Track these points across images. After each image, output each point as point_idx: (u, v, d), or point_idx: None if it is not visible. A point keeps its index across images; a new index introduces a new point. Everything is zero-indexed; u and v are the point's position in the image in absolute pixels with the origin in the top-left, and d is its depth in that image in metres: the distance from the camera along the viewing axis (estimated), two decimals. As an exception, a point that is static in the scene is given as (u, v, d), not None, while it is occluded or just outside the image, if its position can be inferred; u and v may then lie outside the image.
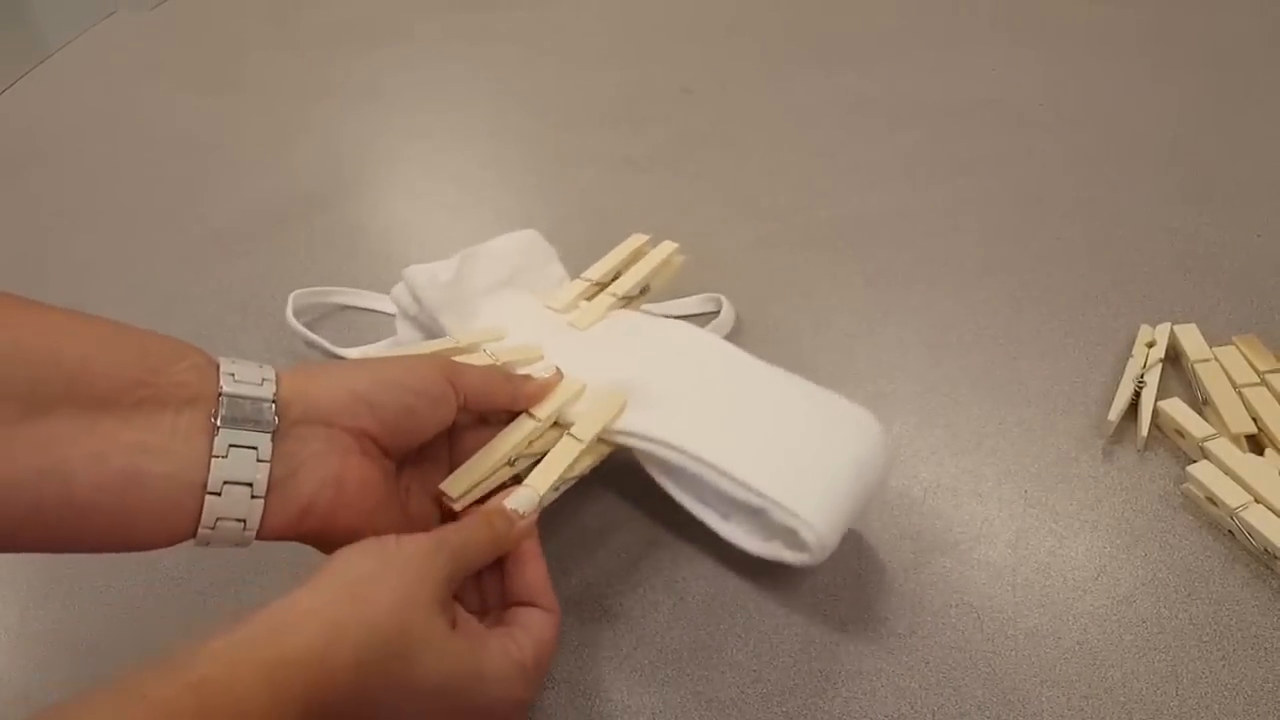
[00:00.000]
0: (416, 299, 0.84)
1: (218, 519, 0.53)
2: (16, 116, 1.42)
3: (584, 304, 0.83)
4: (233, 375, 0.55)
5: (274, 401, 0.55)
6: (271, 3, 1.70)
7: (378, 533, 0.56)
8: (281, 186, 1.19)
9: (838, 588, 0.70)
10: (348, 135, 1.30)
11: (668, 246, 0.88)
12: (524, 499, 0.64)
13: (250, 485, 0.53)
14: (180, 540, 0.53)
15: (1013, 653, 0.66)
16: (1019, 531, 0.73)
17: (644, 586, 0.72)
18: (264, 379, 0.56)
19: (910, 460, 0.79)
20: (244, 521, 0.54)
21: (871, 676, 0.65)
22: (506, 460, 0.68)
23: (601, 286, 0.85)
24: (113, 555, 0.51)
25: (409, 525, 0.60)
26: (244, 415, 0.54)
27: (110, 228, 1.15)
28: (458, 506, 0.65)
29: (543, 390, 0.71)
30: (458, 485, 0.65)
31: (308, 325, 0.92)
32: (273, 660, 0.46)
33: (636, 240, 0.88)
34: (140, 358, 0.52)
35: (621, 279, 0.85)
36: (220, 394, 0.53)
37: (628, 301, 0.85)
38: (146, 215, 1.17)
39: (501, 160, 1.22)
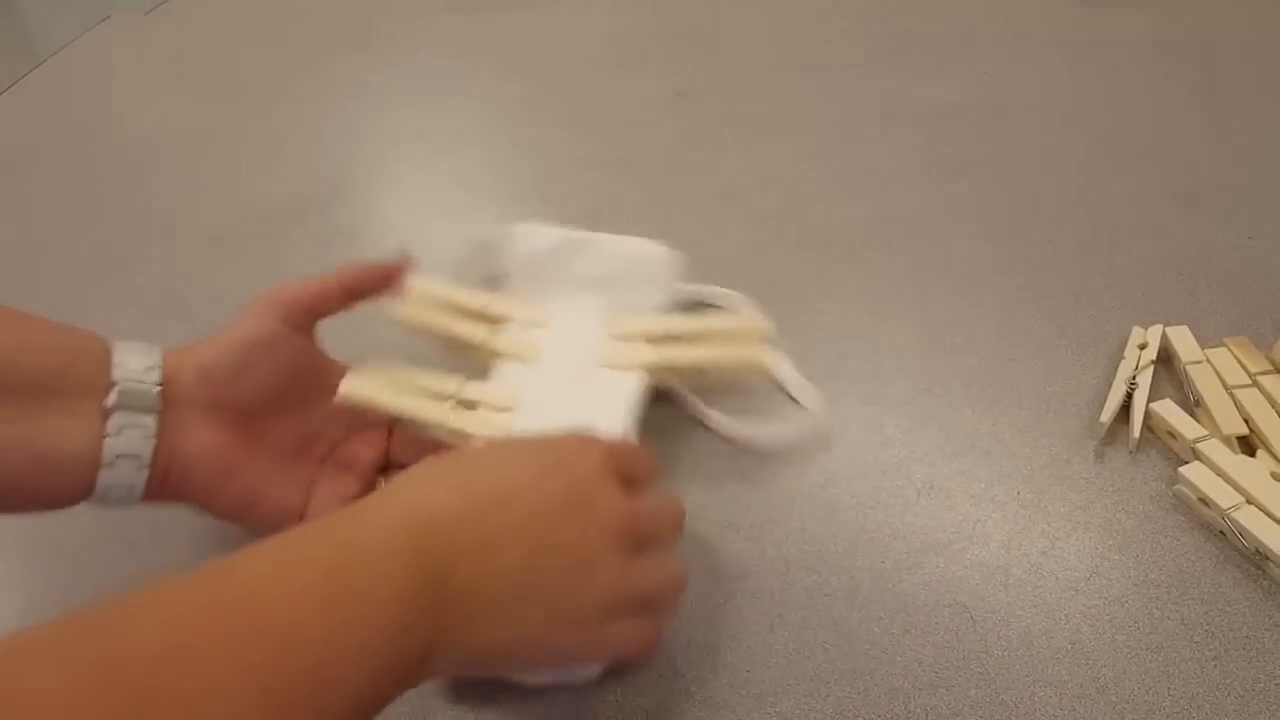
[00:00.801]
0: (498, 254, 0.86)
1: (109, 485, 0.63)
2: (11, 120, 1.42)
3: (640, 345, 0.80)
4: (123, 366, 0.64)
5: (160, 385, 0.65)
6: (267, 5, 1.70)
7: (241, 487, 0.69)
8: (277, 189, 1.19)
9: (831, 588, 0.70)
10: (343, 138, 1.29)
11: (757, 345, 0.79)
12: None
13: (138, 458, 0.64)
14: (76, 503, 0.64)
15: (1005, 653, 0.66)
16: (1012, 532, 0.73)
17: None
18: (149, 367, 0.65)
19: (904, 461, 0.79)
20: (131, 487, 0.64)
21: (865, 676, 0.66)
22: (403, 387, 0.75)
23: (670, 338, 0.80)
24: (111, 550, 0.57)
25: (285, 472, 0.72)
26: (132, 400, 0.64)
27: (105, 231, 1.15)
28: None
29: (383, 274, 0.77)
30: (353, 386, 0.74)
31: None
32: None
33: (749, 324, 0.81)
34: (56, 354, 0.62)
35: (686, 348, 0.79)
36: (112, 383, 0.63)
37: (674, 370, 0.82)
38: (141, 218, 1.16)
39: (496, 162, 1.22)
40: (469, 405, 0.75)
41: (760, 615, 0.69)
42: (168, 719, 0.39)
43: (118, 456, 0.63)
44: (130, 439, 0.63)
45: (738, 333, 0.77)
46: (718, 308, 0.92)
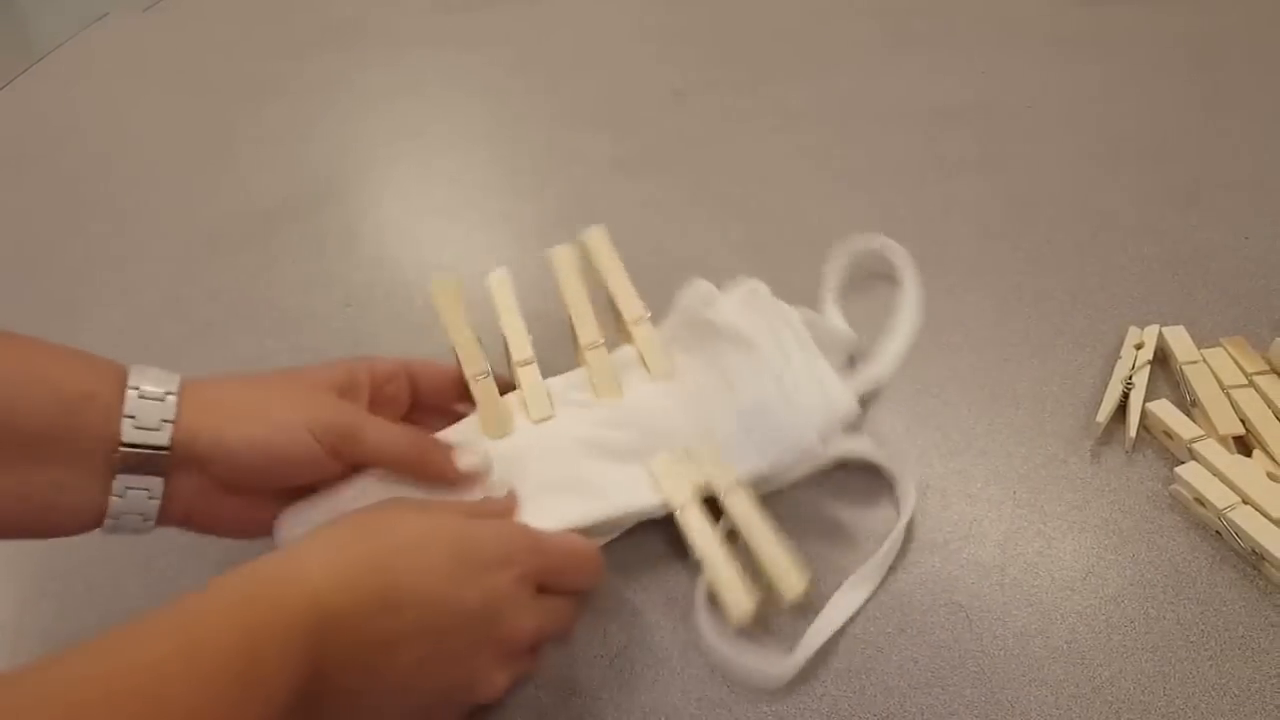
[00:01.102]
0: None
1: (115, 531, 0.62)
2: (9, 118, 1.42)
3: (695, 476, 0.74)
4: (133, 420, 0.60)
5: (168, 449, 0.60)
6: (263, 5, 1.70)
7: (259, 522, 0.67)
8: (273, 188, 1.19)
9: (827, 587, 0.70)
10: (340, 136, 1.29)
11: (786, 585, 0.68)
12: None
13: (142, 514, 0.62)
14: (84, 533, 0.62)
15: (1001, 652, 0.66)
16: (1008, 532, 0.73)
17: (634, 587, 0.72)
18: (163, 421, 0.60)
19: (900, 460, 0.79)
20: (138, 532, 0.63)
21: (860, 675, 0.65)
22: None
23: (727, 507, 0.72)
24: (109, 555, 0.56)
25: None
26: (139, 464, 0.60)
27: (102, 229, 1.15)
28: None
29: (456, 479, 0.71)
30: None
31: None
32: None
33: (788, 575, 0.68)
34: (55, 403, 0.58)
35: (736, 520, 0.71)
36: (120, 445, 0.59)
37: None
38: (138, 217, 1.16)
39: (492, 162, 1.22)
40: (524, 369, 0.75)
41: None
42: None
43: (123, 514, 0.61)
44: (135, 500, 0.61)
45: (774, 569, 0.68)
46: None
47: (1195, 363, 0.82)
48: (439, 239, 1.08)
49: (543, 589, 0.64)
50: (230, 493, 0.64)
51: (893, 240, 0.93)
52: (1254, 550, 0.68)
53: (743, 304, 0.80)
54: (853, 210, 1.06)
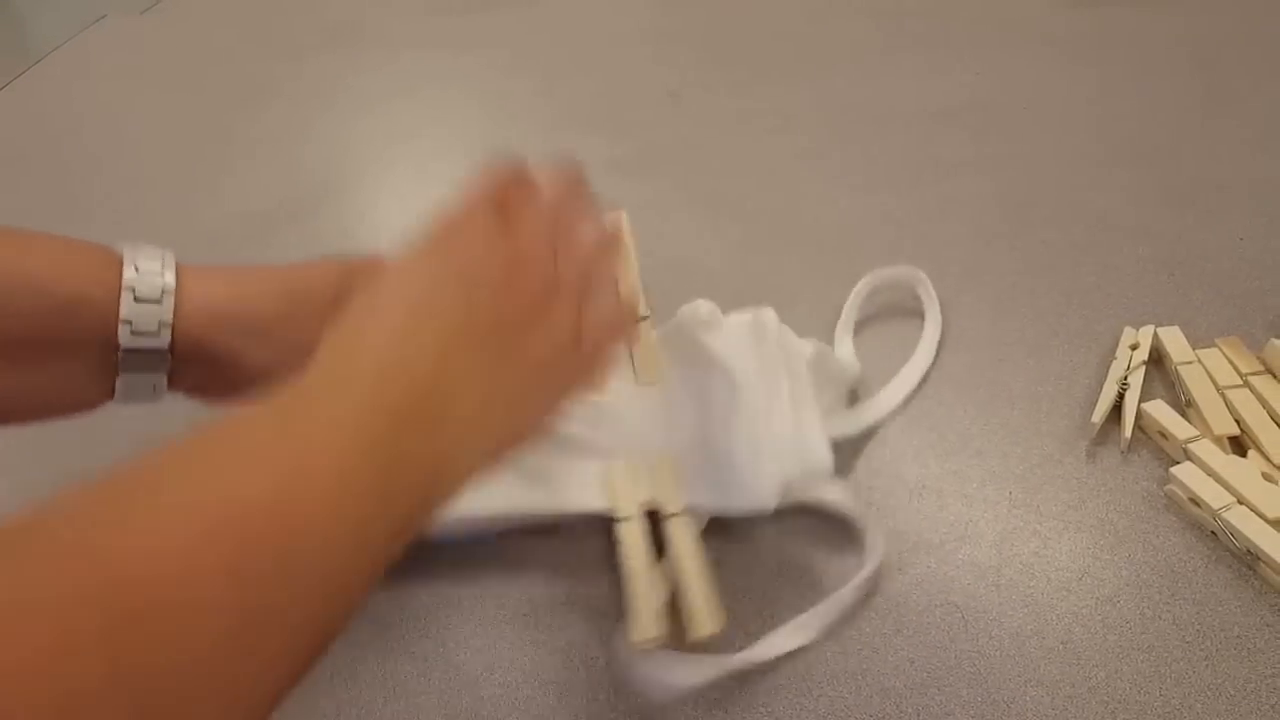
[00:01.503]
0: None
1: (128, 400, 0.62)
2: (7, 119, 1.42)
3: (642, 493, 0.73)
4: (130, 325, 0.59)
5: (169, 351, 0.60)
6: (260, 7, 1.70)
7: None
8: (270, 190, 1.19)
9: (823, 588, 0.70)
10: (336, 139, 1.29)
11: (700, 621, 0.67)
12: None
13: (154, 401, 0.62)
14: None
15: (997, 653, 0.66)
16: (1003, 532, 0.73)
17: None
18: (161, 323, 0.60)
19: (896, 461, 0.79)
20: (150, 399, 0.63)
21: (856, 677, 0.65)
22: None
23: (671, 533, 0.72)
24: None
25: None
26: (141, 365, 0.60)
27: (99, 231, 1.13)
28: None
29: None
30: None
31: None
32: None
33: (703, 615, 0.67)
34: (48, 305, 0.57)
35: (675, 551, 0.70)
36: (118, 348, 0.59)
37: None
38: (135, 219, 1.16)
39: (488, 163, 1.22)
40: None
41: (752, 614, 0.69)
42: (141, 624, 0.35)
43: (129, 396, 0.62)
44: (141, 389, 0.62)
45: (692, 603, 0.66)
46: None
47: (1190, 363, 0.82)
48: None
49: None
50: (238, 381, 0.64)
51: (920, 271, 0.92)
52: (1249, 551, 0.68)
53: (745, 336, 0.77)
54: (849, 211, 1.06)
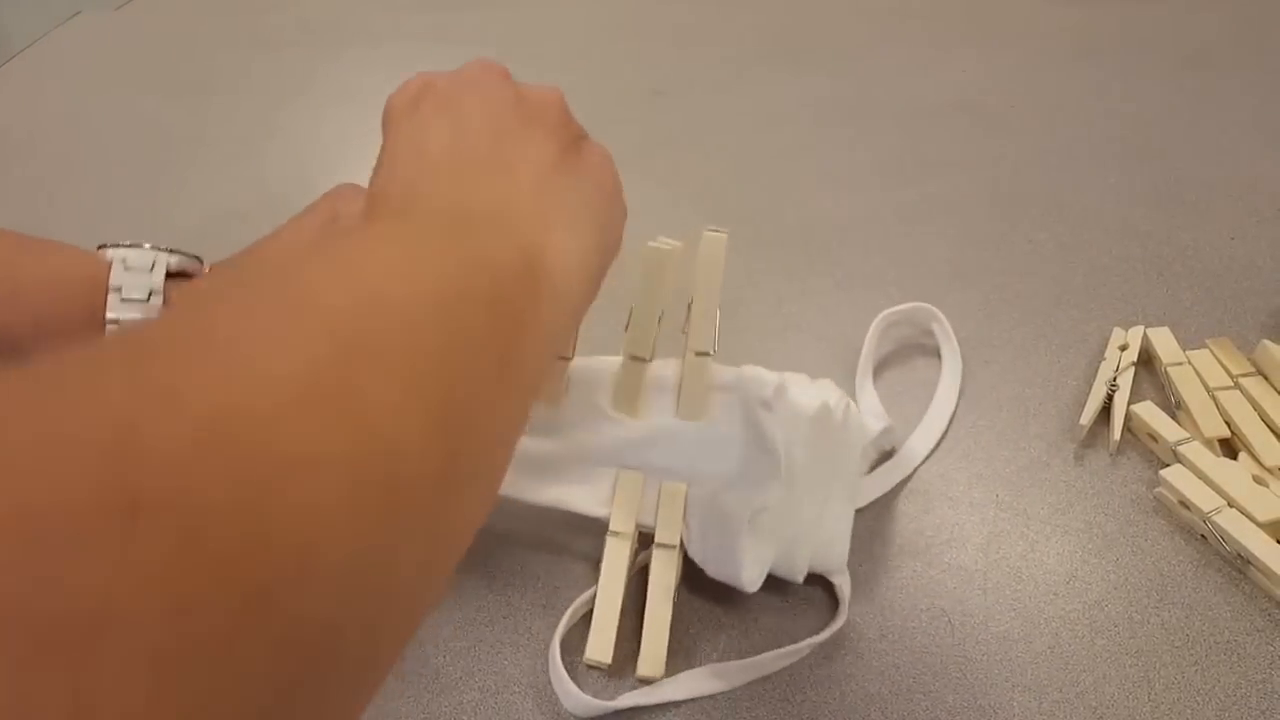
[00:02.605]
0: None
1: None
2: (-22, 116, 1.41)
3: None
4: (119, 293, 0.61)
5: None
6: (238, 2, 1.69)
7: None
8: (250, 189, 1.18)
9: (806, 592, 0.70)
10: (317, 137, 1.29)
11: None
12: None
13: None
14: None
15: (984, 657, 0.66)
16: (990, 535, 0.73)
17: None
18: (151, 290, 0.62)
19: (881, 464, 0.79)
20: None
21: (841, 682, 0.65)
22: None
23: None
24: None
25: None
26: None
27: (75, 231, 1.13)
28: None
29: None
30: None
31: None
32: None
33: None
34: (37, 285, 0.59)
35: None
36: (105, 323, 0.60)
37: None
38: (112, 218, 1.15)
39: (470, 162, 1.22)
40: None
41: (734, 619, 0.69)
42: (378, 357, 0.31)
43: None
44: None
45: (647, 642, 0.66)
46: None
47: (1180, 364, 0.82)
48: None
49: None
50: None
51: (935, 308, 0.88)
52: (1239, 554, 0.68)
53: (808, 425, 0.69)
54: (834, 210, 1.06)
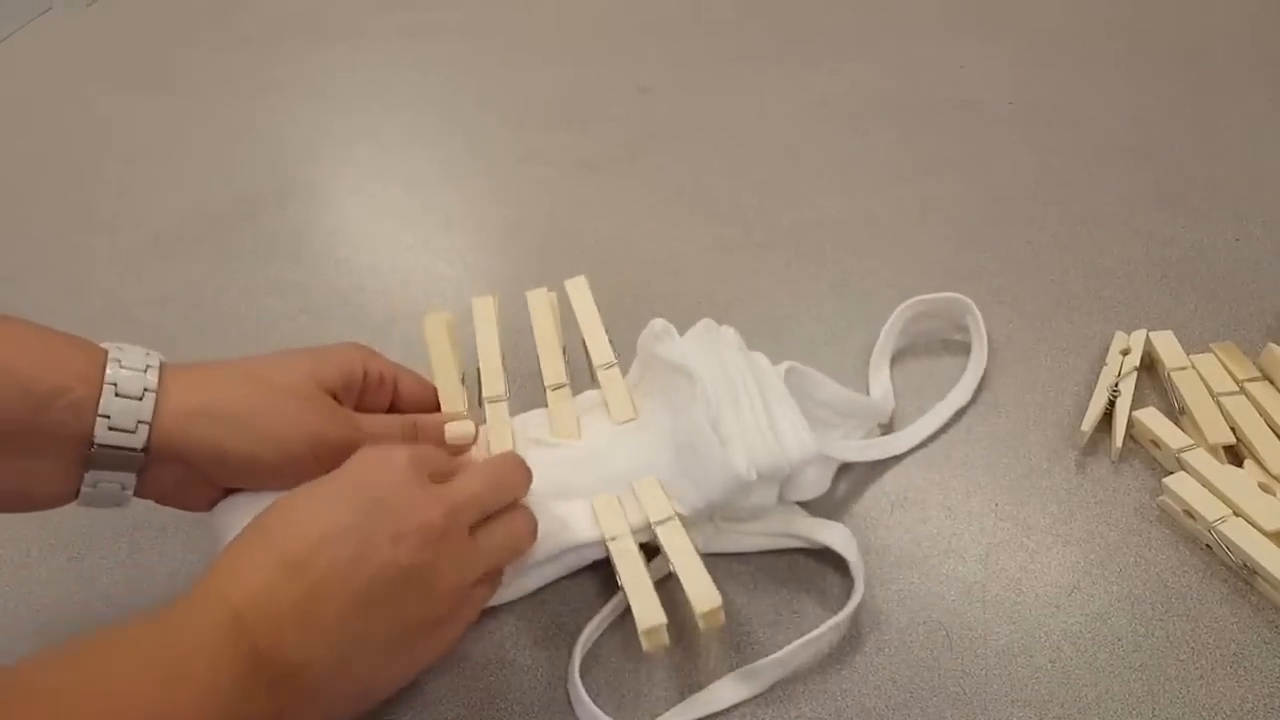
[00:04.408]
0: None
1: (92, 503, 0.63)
2: (-54, 116, 1.41)
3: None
4: (108, 420, 0.59)
5: (144, 450, 0.61)
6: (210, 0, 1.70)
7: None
8: (224, 189, 1.18)
9: (802, 605, 0.70)
10: (292, 136, 1.29)
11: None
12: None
13: (117, 502, 0.64)
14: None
15: (983, 671, 0.65)
16: (989, 546, 0.73)
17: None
18: (139, 423, 0.60)
19: (876, 473, 0.79)
20: (117, 501, 0.64)
21: (837, 697, 0.65)
22: None
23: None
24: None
25: None
26: (112, 463, 0.61)
27: (45, 231, 1.14)
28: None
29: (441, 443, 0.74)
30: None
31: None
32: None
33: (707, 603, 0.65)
34: (22, 398, 0.57)
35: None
36: (92, 444, 0.59)
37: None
38: (83, 218, 1.15)
39: (451, 161, 1.22)
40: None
41: (729, 632, 0.69)
42: None
43: (94, 501, 0.63)
44: (108, 491, 0.62)
45: (690, 584, 0.65)
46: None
47: (1184, 369, 0.82)
48: (397, 243, 1.07)
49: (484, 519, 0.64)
50: (209, 484, 0.67)
51: (970, 300, 0.89)
52: (1245, 564, 0.68)
53: (703, 342, 0.77)
54: (825, 211, 1.06)
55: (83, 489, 0.61)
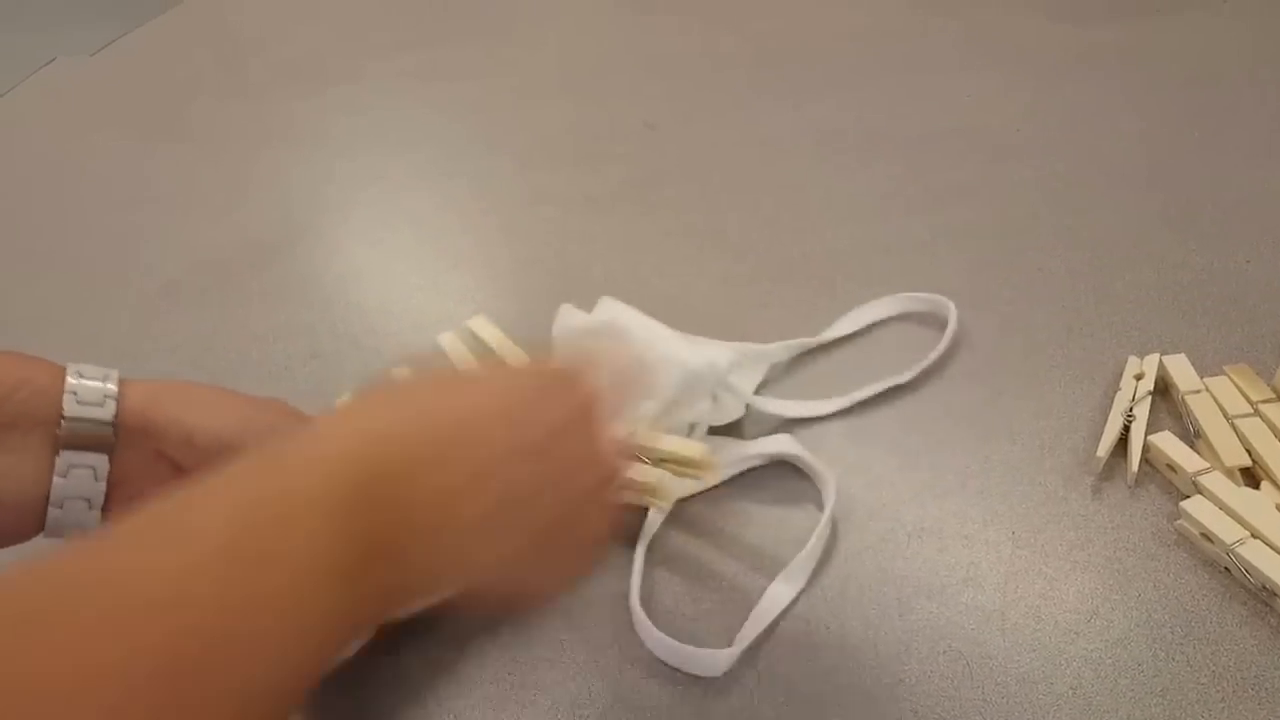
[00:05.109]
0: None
1: (60, 524, 0.62)
2: (-45, 167, 1.42)
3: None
4: (75, 395, 0.61)
5: (113, 424, 0.62)
6: (215, 46, 1.71)
7: None
8: (232, 235, 1.19)
9: (820, 636, 0.70)
10: (299, 181, 1.29)
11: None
12: None
13: (87, 500, 0.62)
14: (29, 539, 0.62)
15: (1004, 700, 0.66)
16: (1008, 574, 0.73)
17: (620, 644, 0.71)
18: (106, 397, 0.62)
19: (893, 502, 0.79)
20: (83, 525, 0.62)
21: (857, 730, 0.65)
22: None
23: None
24: None
25: None
26: (83, 439, 0.61)
27: (55, 280, 1.15)
28: None
29: None
30: None
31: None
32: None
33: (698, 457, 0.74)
34: None
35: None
36: (61, 418, 0.60)
37: None
38: (92, 267, 1.16)
39: (458, 202, 1.22)
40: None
41: (746, 666, 0.69)
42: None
43: (67, 499, 0.61)
44: (80, 481, 0.61)
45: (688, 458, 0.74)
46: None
47: (1198, 392, 0.82)
48: (406, 284, 1.08)
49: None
50: (180, 473, 0.65)
51: (946, 298, 0.94)
52: (1265, 586, 0.68)
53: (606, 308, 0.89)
54: (836, 242, 1.07)
55: (54, 479, 0.60)
